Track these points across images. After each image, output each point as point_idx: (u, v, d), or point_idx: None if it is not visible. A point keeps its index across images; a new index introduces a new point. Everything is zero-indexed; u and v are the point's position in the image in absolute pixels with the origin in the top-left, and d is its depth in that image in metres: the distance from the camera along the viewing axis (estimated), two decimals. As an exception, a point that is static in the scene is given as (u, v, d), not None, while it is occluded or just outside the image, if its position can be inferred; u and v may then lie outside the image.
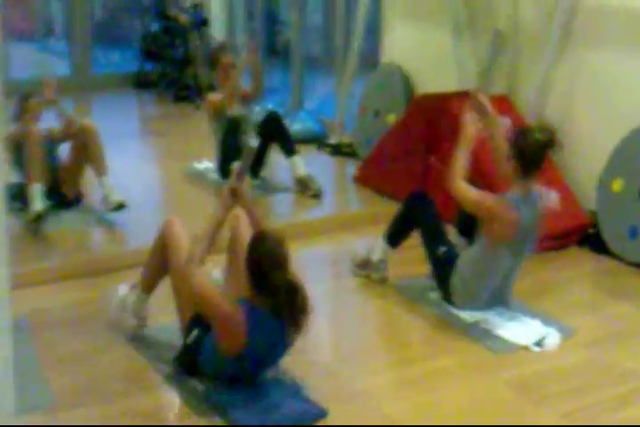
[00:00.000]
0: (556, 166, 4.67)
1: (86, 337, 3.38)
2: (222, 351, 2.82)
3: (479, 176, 4.43)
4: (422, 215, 3.73)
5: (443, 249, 3.60)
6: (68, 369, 3.12)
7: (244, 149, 3.35)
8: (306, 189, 5.09)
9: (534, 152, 3.30)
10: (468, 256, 3.51)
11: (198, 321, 2.94)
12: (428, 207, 3.74)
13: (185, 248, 3.08)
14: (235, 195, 3.04)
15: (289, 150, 5.18)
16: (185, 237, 3.15)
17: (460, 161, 3.45)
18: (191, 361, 2.96)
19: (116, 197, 4.46)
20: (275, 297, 2.75)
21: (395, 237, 3.87)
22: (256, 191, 4.95)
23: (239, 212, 3.17)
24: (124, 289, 3.42)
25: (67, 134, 4.74)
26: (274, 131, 5.19)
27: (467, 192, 3.41)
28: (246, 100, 5.26)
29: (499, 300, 3.58)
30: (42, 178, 4.39)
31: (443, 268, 3.59)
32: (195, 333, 2.94)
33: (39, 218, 4.22)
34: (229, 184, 3.06)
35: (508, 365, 3.20)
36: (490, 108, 3.58)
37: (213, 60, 5.26)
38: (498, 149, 3.53)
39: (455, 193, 3.43)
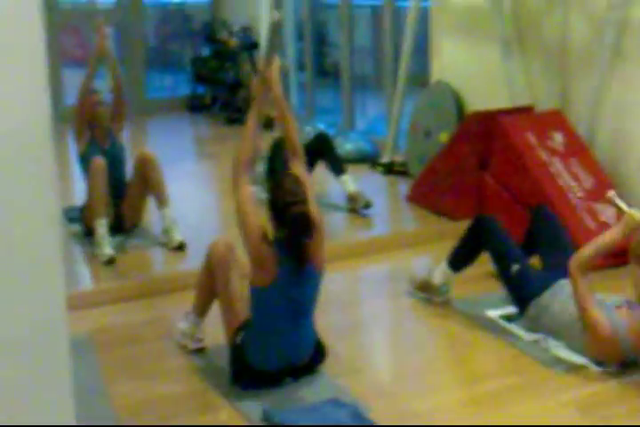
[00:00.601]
0: (612, 182, 4.63)
1: (148, 356, 3.44)
2: (256, 281, 2.98)
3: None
4: (489, 236, 3.69)
5: (516, 267, 3.55)
6: (130, 388, 3.18)
7: (270, 24, 3.14)
8: (356, 203, 5.14)
9: None
10: (563, 317, 3.37)
11: (244, 326, 3.05)
12: (495, 227, 3.69)
13: (231, 269, 3.15)
14: (265, 82, 3.09)
15: (338, 170, 5.23)
16: (232, 258, 3.20)
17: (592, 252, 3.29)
18: (241, 360, 3.04)
19: (177, 236, 4.51)
20: (291, 227, 2.92)
21: (459, 261, 3.82)
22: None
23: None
24: (181, 323, 3.47)
25: (117, 104, 4.81)
26: (322, 150, 5.25)
27: (600, 321, 3.18)
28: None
29: None
30: (105, 210, 4.45)
31: (518, 287, 3.55)
32: (241, 334, 3.05)
33: (112, 263, 4.31)
34: (259, 71, 3.11)
35: (569, 385, 3.16)
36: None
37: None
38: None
39: (588, 319, 3.21)
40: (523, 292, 3.54)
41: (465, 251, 3.80)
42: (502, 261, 3.62)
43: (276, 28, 3.11)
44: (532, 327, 3.51)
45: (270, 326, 3.02)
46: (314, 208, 3.00)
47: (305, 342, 3.11)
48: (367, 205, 5.11)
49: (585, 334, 3.24)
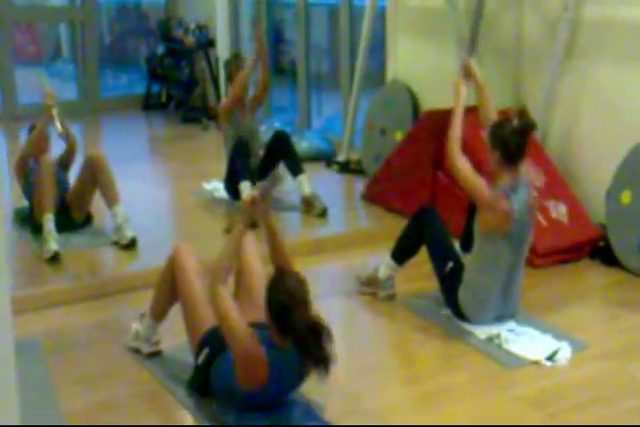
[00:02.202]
0: (565, 180, 4.68)
1: (99, 359, 3.39)
2: (240, 384, 2.75)
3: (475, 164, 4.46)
4: (429, 230, 3.72)
5: (450, 264, 3.59)
6: (80, 390, 3.13)
7: (272, 174, 3.26)
8: (311, 208, 5.11)
9: (515, 141, 3.33)
10: (469, 261, 3.53)
11: (208, 340, 2.95)
12: (435, 222, 3.73)
13: (194, 274, 3.10)
14: (256, 212, 2.95)
15: (296, 169, 5.20)
16: (194, 261, 3.16)
17: (456, 130, 3.54)
18: (203, 382, 2.96)
19: (129, 232, 4.46)
20: (296, 336, 2.64)
21: (401, 253, 3.85)
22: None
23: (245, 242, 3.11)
24: (135, 325, 3.40)
25: (70, 152, 4.80)
26: (281, 150, 5.22)
27: (468, 175, 3.44)
28: (257, 99, 5.31)
29: (508, 308, 3.57)
30: (53, 206, 4.41)
31: (450, 282, 3.58)
32: (205, 352, 2.94)
33: (56, 258, 4.25)
34: (252, 198, 2.93)
35: (521, 380, 3.19)
36: (479, 74, 3.70)
37: (229, 66, 5.34)
38: (488, 118, 3.62)
39: (456, 172, 3.48)
40: (453, 290, 3.56)
41: (407, 243, 3.82)
42: (439, 257, 3.65)
43: (277, 180, 3.32)
44: (474, 314, 3.55)
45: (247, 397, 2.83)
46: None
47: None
48: (322, 213, 5.08)
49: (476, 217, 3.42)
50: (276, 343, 2.73)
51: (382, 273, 3.89)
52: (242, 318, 2.76)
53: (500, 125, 3.39)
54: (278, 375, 2.74)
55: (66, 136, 4.75)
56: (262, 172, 5.21)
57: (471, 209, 3.92)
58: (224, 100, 5.25)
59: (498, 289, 3.50)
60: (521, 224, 3.42)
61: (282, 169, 5.27)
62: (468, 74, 3.72)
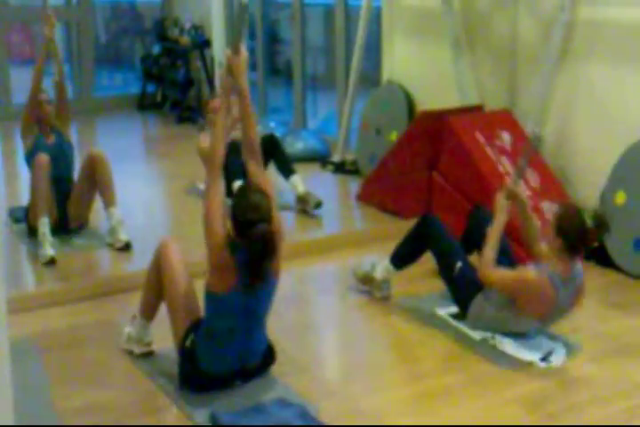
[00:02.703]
0: (559, 181, 4.68)
1: (93, 359, 3.39)
2: (212, 286, 2.93)
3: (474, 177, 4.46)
4: (433, 237, 3.71)
5: (459, 264, 3.58)
6: (74, 391, 3.12)
7: (238, 7, 3.21)
8: (306, 203, 5.12)
9: (580, 235, 3.21)
10: (495, 307, 3.44)
11: (193, 328, 3.01)
12: (439, 228, 3.72)
13: (178, 269, 3.11)
14: (231, 72, 3.06)
15: (287, 171, 5.22)
16: (179, 258, 3.16)
17: (492, 248, 3.43)
18: (192, 363, 3.00)
19: (122, 236, 4.46)
20: (253, 246, 2.85)
21: (402, 259, 3.84)
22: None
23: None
24: (127, 328, 3.40)
25: (60, 99, 4.73)
26: (271, 152, 5.23)
27: (501, 276, 3.36)
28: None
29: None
30: (49, 211, 4.39)
31: (460, 285, 3.57)
32: (191, 337, 3.00)
33: (52, 264, 4.24)
34: (227, 62, 3.07)
35: (515, 381, 3.19)
36: (523, 197, 3.59)
37: (204, 109, 5.42)
38: (532, 231, 3.54)
39: (489, 280, 3.40)
40: (464, 291, 3.56)
41: (409, 250, 3.82)
42: (446, 261, 3.64)
43: (243, 12, 3.11)
44: (476, 325, 3.53)
45: (222, 331, 2.98)
46: (276, 219, 2.94)
47: (256, 347, 3.09)
48: (318, 205, 5.10)
49: (515, 300, 3.33)
50: (242, 250, 2.87)
51: (379, 275, 3.89)
52: (223, 223, 2.93)
53: (569, 216, 3.25)
54: (245, 283, 2.89)
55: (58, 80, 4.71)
56: None
57: (472, 211, 3.92)
58: (203, 143, 5.25)
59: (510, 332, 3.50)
60: (560, 312, 3.38)
61: (273, 171, 5.28)
62: (513, 198, 3.56)
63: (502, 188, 3.63)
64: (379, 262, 3.92)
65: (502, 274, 3.38)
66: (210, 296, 2.97)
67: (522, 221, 3.59)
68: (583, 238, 3.21)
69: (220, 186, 3.05)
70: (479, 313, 3.50)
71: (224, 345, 2.99)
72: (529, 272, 3.30)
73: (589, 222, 3.20)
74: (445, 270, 3.64)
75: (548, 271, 3.26)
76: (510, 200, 3.55)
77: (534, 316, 3.36)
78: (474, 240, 3.72)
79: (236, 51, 3.05)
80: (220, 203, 2.99)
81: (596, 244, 3.34)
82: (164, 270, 3.14)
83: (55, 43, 4.66)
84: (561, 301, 3.30)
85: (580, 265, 3.37)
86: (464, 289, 3.57)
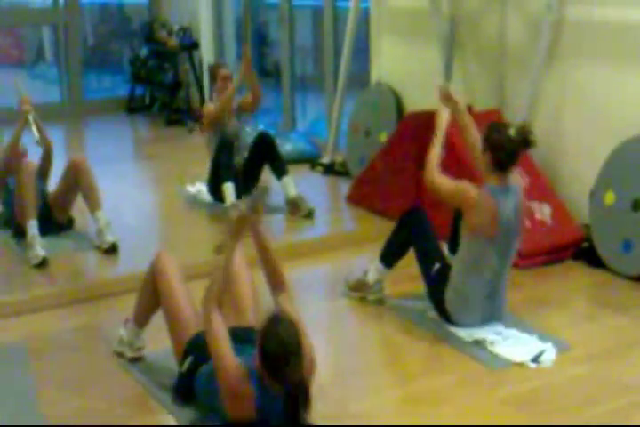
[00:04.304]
0: (548, 181, 4.69)
1: (83, 363, 3.37)
2: (228, 413, 2.72)
3: (456, 166, 4.46)
4: (417, 231, 3.72)
5: (437, 266, 3.59)
6: (64, 395, 3.10)
7: (259, 187, 3.13)
8: (297, 209, 5.09)
9: (509, 149, 3.34)
10: (455, 263, 3.52)
11: (192, 348, 2.94)
12: (423, 223, 3.73)
13: (175, 281, 3.08)
14: (245, 225, 2.85)
15: (280, 171, 5.19)
16: (175, 269, 3.14)
17: (436, 152, 3.55)
18: (187, 389, 2.94)
19: (109, 238, 4.44)
20: (284, 387, 2.58)
21: (390, 256, 3.84)
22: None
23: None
24: (121, 331, 3.38)
25: (47, 159, 4.78)
26: (266, 151, 5.21)
27: (444, 183, 3.47)
28: (244, 111, 5.29)
29: (494, 311, 3.57)
30: (35, 211, 4.39)
31: (437, 284, 3.58)
32: (189, 360, 2.93)
33: (44, 264, 4.23)
34: (241, 215, 2.84)
35: (506, 382, 3.19)
36: (456, 98, 3.69)
37: (212, 74, 5.34)
38: (471, 139, 3.61)
39: (432, 185, 3.51)
40: (440, 292, 3.56)
41: (395, 244, 3.81)
42: (425, 259, 3.65)
43: (264, 192, 3.05)
44: (460, 315, 3.54)
45: None
46: (307, 347, 2.68)
47: None
48: (310, 213, 5.07)
49: (464, 214, 3.41)
50: (266, 385, 2.62)
51: (371, 277, 3.87)
52: (232, 351, 2.69)
53: (498, 130, 3.37)
54: (266, 414, 2.67)
55: (43, 143, 4.73)
56: (246, 173, 5.20)
57: (458, 212, 3.92)
58: (209, 106, 5.22)
59: (483, 292, 3.49)
60: (507, 229, 3.42)
61: (265, 171, 5.26)
62: (447, 100, 3.70)
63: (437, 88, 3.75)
64: (369, 266, 3.90)
65: (447, 181, 3.47)
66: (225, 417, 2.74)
67: (460, 128, 3.67)
68: (510, 151, 3.33)
69: (218, 314, 2.75)
70: (452, 293, 3.50)
71: None
72: (468, 183, 3.43)
73: (514, 135, 3.32)
74: (424, 269, 3.65)
75: (484, 185, 3.39)
76: (447, 103, 3.66)
77: (484, 232, 3.38)
78: (458, 238, 3.72)
79: (253, 211, 2.85)
80: (223, 332, 2.72)
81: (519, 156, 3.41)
82: (160, 284, 3.11)
83: (34, 118, 4.64)
84: (503, 212, 3.37)
85: (515, 178, 3.49)
86: (439, 290, 3.56)
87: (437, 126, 3.66)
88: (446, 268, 3.58)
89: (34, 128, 4.61)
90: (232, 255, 2.89)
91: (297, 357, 2.57)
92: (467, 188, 3.41)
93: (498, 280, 3.51)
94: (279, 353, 2.55)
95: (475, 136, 3.58)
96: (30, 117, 4.61)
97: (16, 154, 4.59)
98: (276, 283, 2.95)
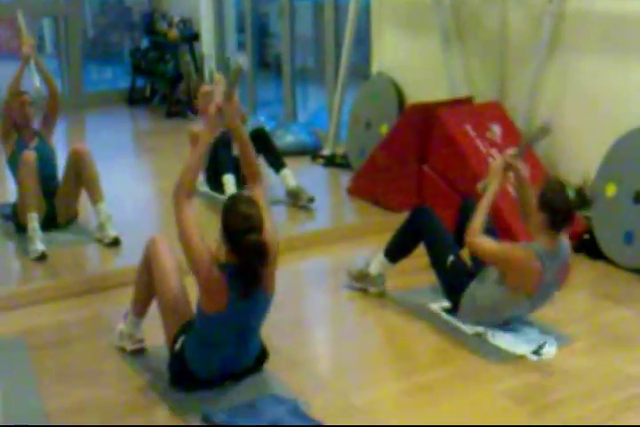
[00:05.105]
0: (549, 173, 4.68)
1: (83, 356, 3.37)
2: (204, 308, 2.87)
3: (460, 166, 4.46)
4: (427, 229, 3.69)
5: (451, 259, 3.57)
6: (64, 388, 3.10)
7: (232, 69, 3.15)
8: (297, 199, 5.11)
9: (565, 212, 3.21)
10: (486, 290, 3.43)
11: (184, 330, 2.97)
12: (432, 220, 3.71)
13: (169, 268, 3.08)
14: (221, 114, 3.01)
15: (278, 164, 5.20)
16: (170, 256, 3.13)
17: (481, 216, 3.41)
18: (182, 365, 2.97)
19: (111, 232, 4.44)
20: (243, 256, 2.79)
21: (396, 252, 3.82)
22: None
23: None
24: (120, 325, 3.38)
25: (53, 100, 4.75)
26: (261, 146, 5.22)
27: (488, 246, 3.35)
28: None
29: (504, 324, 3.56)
30: (37, 207, 4.37)
31: (452, 278, 3.56)
32: (181, 339, 2.97)
33: (43, 259, 4.22)
34: (217, 103, 3.01)
35: (507, 374, 3.18)
36: (524, 173, 3.51)
37: (195, 91, 5.41)
38: (526, 195, 3.47)
39: (476, 248, 3.39)
40: (455, 285, 3.55)
41: (402, 242, 3.80)
42: (438, 254, 3.62)
43: (238, 73, 3.04)
44: (468, 319, 3.52)
45: (213, 342, 2.94)
46: (270, 233, 2.89)
47: (249, 354, 3.07)
48: (311, 200, 5.08)
49: (502, 272, 3.33)
50: (230, 262, 2.82)
51: (374, 270, 3.87)
52: (200, 238, 2.86)
53: (555, 191, 3.23)
54: (238, 299, 2.84)
55: (48, 87, 4.70)
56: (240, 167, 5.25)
57: (462, 204, 3.91)
58: (193, 130, 5.30)
59: (500, 320, 3.49)
60: (547, 289, 3.37)
61: (263, 165, 5.25)
62: (508, 169, 3.50)
63: (500, 157, 3.58)
64: (372, 258, 3.90)
65: (490, 243, 3.37)
66: (201, 315, 2.92)
67: (519, 193, 3.55)
68: (567, 213, 3.23)
69: (189, 204, 2.93)
70: (470, 305, 3.49)
71: (214, 355, 2.97)
72: (515, 244, 3.36)
73: (572, 197, 3.22)
74: (437, 264, 3.63)
75: (532, 245, 3.29)
76: (505, 171, 3.51)
77: (524, 291, 3.33)
78: (463, 232, 3.71)
79: (228, 98, 3.02)
80: (193, 219, 2.91)
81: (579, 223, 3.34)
82: (154, 269, 3.11)
83: (36, 56, 4.66)
84: (547, 274, 3.29)
85: (565, 240, 3.37)
86: (455, 283, 3.55)
87: (486, 197, 3.46)
88: (460, 260, 3.57)
89: (35, 75, 4.56)
90: (204, 146, 3.02)
91: (257, 231, 2.77)
92: (512, 249, 3.33)
93: (520, 317, 3.53)
94: (238, 224, 2.77)
95: (530, 193, 3.45)
96: (32, 62, 4.57)
97: (16, 97, 4.56)
98: (251, 174, 3.12)
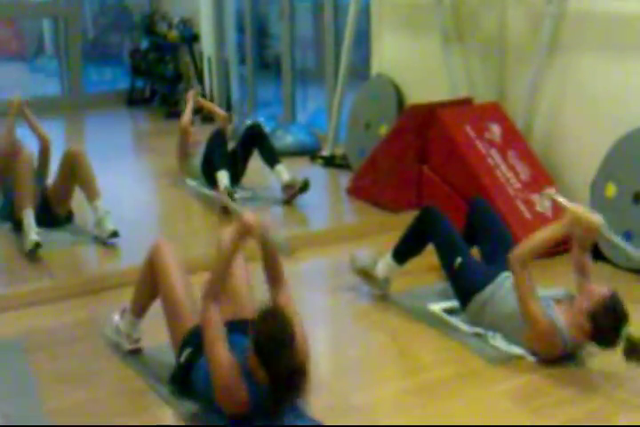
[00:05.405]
0: (549, 173, 4.67)
1: (82, 358, 3.36)
2: (221, 406, 2.73)
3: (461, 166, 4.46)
4: (435, 229, 3.66)
5: (459, 260, 3.54)
6: (62, 389, 3.09)
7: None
8: (292, 188, 5.14)
9: (609, 342, 3.08)
10: (504, 311, 3.36)
11: (191, 340, 2.92)
12: (440, 220, 3.67)
13: (174, 271, 3.05)
14: (248, 232, 2.79)
15: (272, 160, 5.23)
16: (174, 258, 3.11)
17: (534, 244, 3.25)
18: (184, 381, 2.93)
19: (109, 226, 4.43)
20: (274, 377, 2.61)
21: (404, 254, 3.78)
22: (248, 205, 4.92)
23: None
24: (116, 317, 3.37)
25: (44, 152, 4.80)
26: (256, 141, 5.26)
27: (540, 316, 3.18)
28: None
29: None
30: (32, 201, 4.38)
31: (460, 280, 3.54)
32: (187, 351, 2.91)
33: (37, 248, 4.21)
34: (242, 220, 2.78)
35: (505, 375, 3.18)
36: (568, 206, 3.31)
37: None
38: (585, 262, 3.33)
39: (528, 314, 3.21)
40: (466, 285, 3.53)
41: (410, 243, 3.76)
42: (447, 254, 3.60)
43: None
44: (474, 321, 3.50)
45: None
46: (301, 343, 2.70)
47: None
48: (305, 185, 5.10)
49: (525, 329, 3.25)
50: (259, 379, 2.63)
51: (381, 273, 3.82)
52: (227, 348, 2.68)
53: (612, 324, 3.05)
54: (259, 407, 2.68)
55: (40, 139, 4.75)
56: (238, 162, 5.27)
57: (471, 205, 3.90)
58: (184, 118, 5.59)
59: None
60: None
61: (258, 161, 5.29)
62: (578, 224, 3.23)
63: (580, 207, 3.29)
64: (379, 259, 3.85)
65: (541, 313, 3.18)
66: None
67: (578, 253, 3.31)
68: (608, 344, 3.08)
69: (217, 309, 2.75)
70: (479, 312, 3.46)
71: None
72: (553, 322, 3.17)
73: (624, 336, 3.02)
74: (446, 265, 3.61)
75: (563, 334, 3.16)
76: (577, 226, 3.21)
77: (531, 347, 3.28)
78: (474, 233, 3.70)
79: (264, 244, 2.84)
80: (220, 326, 2.72)
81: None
82: (159, 274, 3.08)
83: (28, 113, 4.76)
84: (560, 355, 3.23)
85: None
86: (464, 285, 3.53)
87: (546, 236, 3.26)
88: (470, 261, 3.54)
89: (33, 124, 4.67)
90: (234, 254, 2.83)
91: (288, 349, 2.59)
92: (551, 325, 3.16)
93: None
94: (272, 345, 2.57)
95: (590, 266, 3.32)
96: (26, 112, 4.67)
97: (7, 153, 4.61)
98: (273, 278, 2.92)
